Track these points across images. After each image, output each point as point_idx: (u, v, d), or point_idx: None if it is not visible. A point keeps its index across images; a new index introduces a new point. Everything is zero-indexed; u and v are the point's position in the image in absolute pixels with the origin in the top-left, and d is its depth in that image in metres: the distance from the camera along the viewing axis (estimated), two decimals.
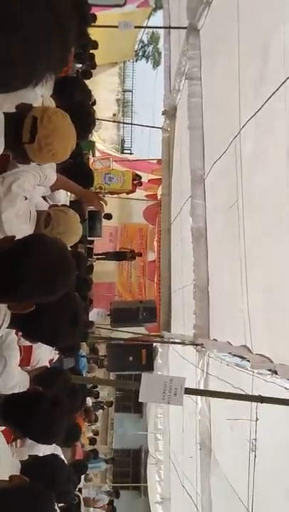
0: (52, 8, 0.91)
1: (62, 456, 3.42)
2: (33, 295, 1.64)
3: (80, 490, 9.93)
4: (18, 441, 3.03)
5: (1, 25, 0.85)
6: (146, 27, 15.22)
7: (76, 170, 2.76)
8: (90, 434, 14.19)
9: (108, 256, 12.86)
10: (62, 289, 1.65)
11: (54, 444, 3.56)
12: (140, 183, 13.65)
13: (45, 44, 0.91)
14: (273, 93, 4.01)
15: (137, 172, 13.88)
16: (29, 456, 2.70)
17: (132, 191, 13.73)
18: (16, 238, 1.69)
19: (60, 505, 4.94)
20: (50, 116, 2.03)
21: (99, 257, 12.09)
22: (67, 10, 0.95)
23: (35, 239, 1.74)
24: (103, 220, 9.31)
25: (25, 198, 2.41)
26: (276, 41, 4.05)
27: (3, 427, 2.23)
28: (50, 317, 1.90)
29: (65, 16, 0.95)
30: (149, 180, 14.15)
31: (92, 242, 8.68)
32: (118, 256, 13.15)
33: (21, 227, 2.31)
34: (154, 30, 23.29)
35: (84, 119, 3.11)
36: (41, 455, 2.95)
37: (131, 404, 19.68)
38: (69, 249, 2.56)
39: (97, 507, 13.67)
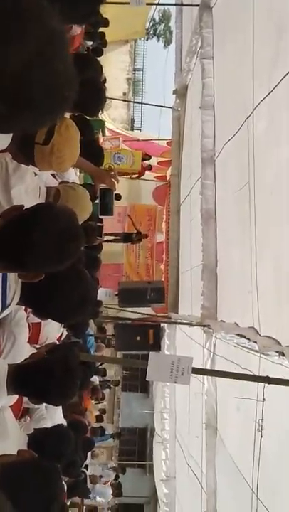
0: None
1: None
2: (42, 264, 1.64)
3: (86, 467, 10.07)
4: (27, 417, 3.07)
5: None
6: (158, 4, 14.98)
7: (87, 148, 2.73)
8: (97, 413, 14.34)
9: (115, 238, 12.81)
10: (72, 257, 1.65)
11: (61, 418, 3.60)
12: (150, 167, 13.53)
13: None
14: (288, 72, 3.95)
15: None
16: (35, 429, 2.73)
17: (141, 174, 13.64)
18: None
19: (66, 479, 5.02)
20: (68, 126, 2.10)
21: (107, 238, 12.05)
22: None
23: (45, 207, 1.73)
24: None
25: (35, 174, 2.39)
26: None
27: (12, 402, 2.25)
28: (60, 294, 1.90)
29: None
30: (158, 163, 14.05)
31: (101, 220, 8.66)
32: (124, 238, 13.11)
33: (31, 203, 2.29)
34: (166, 8, 23.01)
35: (95, 95, 3.08)
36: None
37: (138, 383, 19.84)
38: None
39: (103, 483, 13.87)
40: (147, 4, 10.25)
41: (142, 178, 14.01)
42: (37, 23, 0.87)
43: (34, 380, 2.04)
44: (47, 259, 1.63)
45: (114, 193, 3.70)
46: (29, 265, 1.64)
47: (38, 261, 1.63)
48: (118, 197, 11.45)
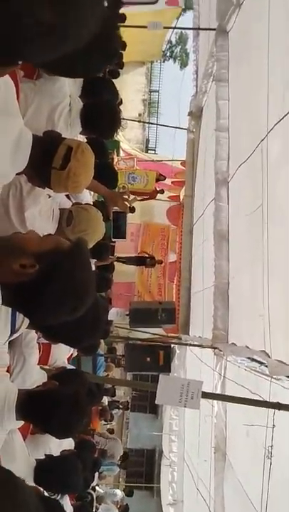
0: None
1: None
2: (49, 318, 1.63)
3: (93, 488, 9.96)
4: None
5: None
6: (175, 27, 15.17)
7: (101, 170, 2.75)
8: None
9: (128, 261, 12.80)
10: (80, 313, 1.63)
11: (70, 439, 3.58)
12: (162, 191, 13.55)
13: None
14: None
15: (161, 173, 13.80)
16: (45, 455, 2.71)
17: (153, 197, 13.65)
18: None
19: (73, 503, 4.97)
20: (84, 150, 2.11)
21: (119, 259, 12.03)
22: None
23: (62, 261, 1.65)
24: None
25: (49, 196, 2.41)
26: None
27: (21, 424, 2.24)
28: (70, 320, 1.88)
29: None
30: (172, 182, 14.09)
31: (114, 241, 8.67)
32: (138, 261, 13.09)
33: (44, 225, 2.31)
34: (183, 31, 23.28)
35: (110, 117, 3.11)
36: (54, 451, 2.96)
37: (147, 404, 19.68)
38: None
39: (110, 503, 13.70)
40: (164, 28, 10.37)
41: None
42: None
43: (41, 410, 2.03)
44: (53, 315, 1.61)
45: (129, 206, 3.71)
46: (36, 320, 1.65)
47: (43, 316, 1.62)
48: (132, 210, 11.44)
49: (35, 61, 1.03)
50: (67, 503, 3.96)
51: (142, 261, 12.90)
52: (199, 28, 10.26)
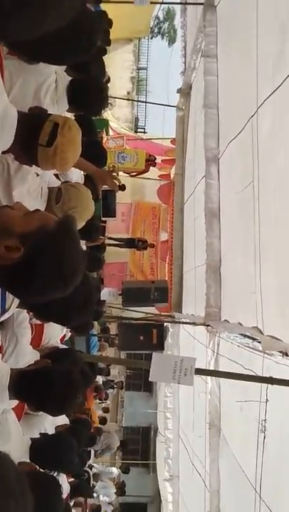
0: None
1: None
2: (37, 297, 1.63)
3: (90, 466, 10.07)
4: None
5: None
6: (162, 3, 14.93)
7: (90, 149, 2.72)
8: (100, 412, 14.33)
9: (120, 244, 12.79)
10: (69, 289, 1.62)
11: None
12: (154, 164, 13.49)
13: None
14: None
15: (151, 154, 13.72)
16: (40, 434, 2.72)
17: (146, 171, 13.60)
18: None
19: (70, 480, 5.03)
20: (71, 127, 2.08)
21: (111, 242, 11.98)
22: None
23: (48, 241, 1.60)
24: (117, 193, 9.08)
25: (37, 175, 2.38)
26: None
27: (15, 404, 2.24)
28: (61, 298, 1.88)
29: None
30: (162, 161, 14.02)
31: (104, 220, 8.63)
32: (129, 243, 13.08)
33: (32, 204, 2.29)
34: (170, 6, 22.93)
35: (97, 94, 3.07)
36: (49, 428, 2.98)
37: (141, 382, 19.85)
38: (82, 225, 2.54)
39: (107, 480, 13.89)
40: (151, 3, 10.22)
41: (145, 177, 13.97)
42: None
43: (34, 388, 2.03)
44: (41, 296, 1.62)
45: (119, 184, 3.68)
46: (24, 299, 1.66)
47: (33, 297, 1.64)
48: (122, 188, 11.34)
49: (15, 38, 1.00)
50: (64, 480, 4.00)
51: (133, 243, 12.89)
52: (186, 3, 10.10)
